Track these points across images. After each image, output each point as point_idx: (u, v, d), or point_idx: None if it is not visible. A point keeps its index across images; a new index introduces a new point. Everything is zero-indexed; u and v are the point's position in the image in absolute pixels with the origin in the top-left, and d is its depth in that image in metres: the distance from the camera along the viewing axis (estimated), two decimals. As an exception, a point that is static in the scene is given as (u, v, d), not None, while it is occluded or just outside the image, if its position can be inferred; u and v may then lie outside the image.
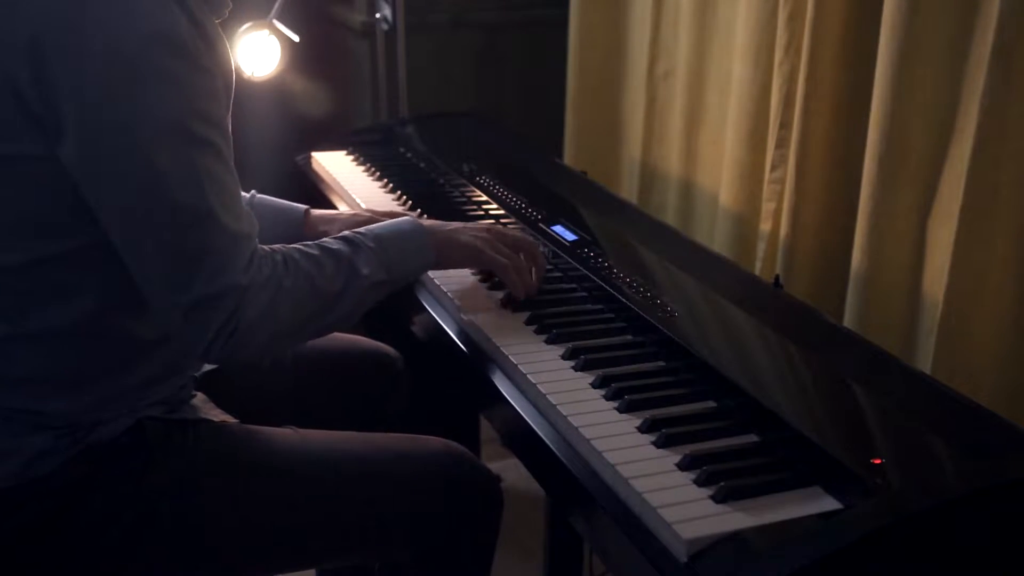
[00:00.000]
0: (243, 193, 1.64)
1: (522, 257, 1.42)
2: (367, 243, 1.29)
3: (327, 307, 1.24)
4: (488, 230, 1.42)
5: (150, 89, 1.11)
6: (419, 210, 1.76)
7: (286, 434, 1.35)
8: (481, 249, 1.38)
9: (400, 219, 1.38)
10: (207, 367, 1.42)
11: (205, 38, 1.17)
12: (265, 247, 1.22)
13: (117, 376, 1.24)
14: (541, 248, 1.50)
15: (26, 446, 1.21)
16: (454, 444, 1.38)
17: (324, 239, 1.30)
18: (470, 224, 1.44)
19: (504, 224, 1.70)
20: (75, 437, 1.22)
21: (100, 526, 1.23)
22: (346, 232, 1.31)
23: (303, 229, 1.61)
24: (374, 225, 1.35)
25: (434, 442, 1.38)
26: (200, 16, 1.16)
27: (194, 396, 1.37)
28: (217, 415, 1.37)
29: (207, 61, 1.16)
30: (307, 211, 1.62)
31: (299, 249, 1.25)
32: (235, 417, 1.39)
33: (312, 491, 1.30)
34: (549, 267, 1.53)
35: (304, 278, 1.21)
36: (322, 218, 1.63)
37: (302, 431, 1.36)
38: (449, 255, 1.38)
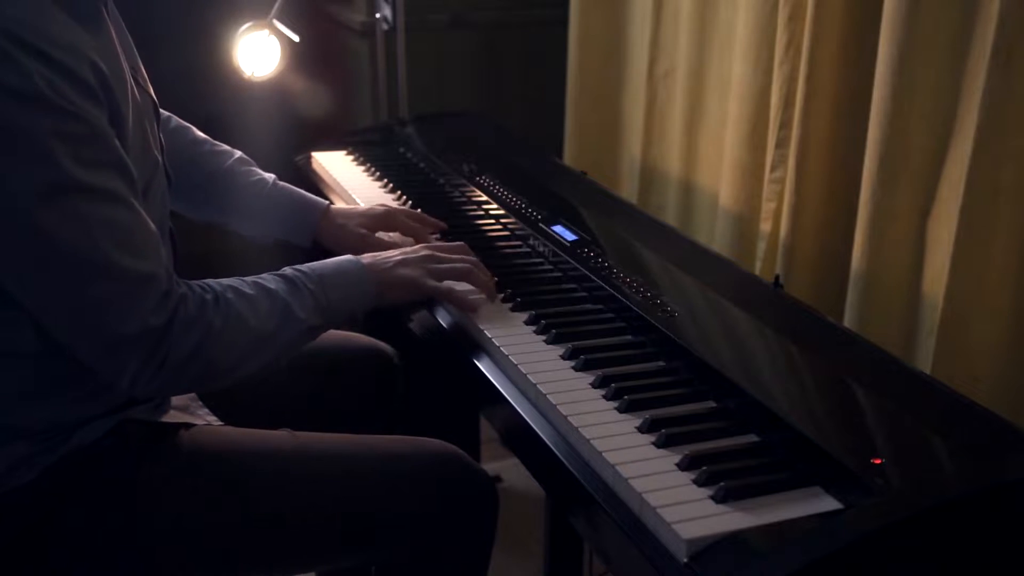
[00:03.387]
0: (265, 175, 1.63)
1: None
2: (308, 285, 1.28)
3: (262, 347, 1.24)
4: (427, 253, 1.42)
5: (9, 159, 1.04)
6: (419, 210, 1.76)
7: (279, 436, 1.34)
8: (419, 283, 1.39)
9: (345, 258, 1.37)
10: None
11: (64, 73, 1.06)
12: (197, 284, 1.21)
13: (83, 380, 1.21)
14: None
15: (1, 457, 1.19)
16: (449, 445, 1.38)
17: (263, 276, 1.28)
18: (408, 250, 1.43)
19: (504, 224, 1.70)
20: (52, 443, 1.21)
21: (85, 534, 1.21)
22: (287, 269, 1.30)
23: (321, 223, 1.61)
24: (317, 264, 1.33)
25: (429, 443, 1.37)
26: (52, 51, 1.05)
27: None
28: (203, 416, 1.36)
29: (70, 102, 1.06)
30: (328, 208, 1.63)
31: (233, 287, 1.23)
32: (230, 414, 1.38)
33: (306, 494, 1.29)
34: (549, 267, 1.54)
35: (235, 318, 1.20)
36: (340, 213, 1.64)
37: (297, 433, 1.35)
38: (390, 294, 1.38)
